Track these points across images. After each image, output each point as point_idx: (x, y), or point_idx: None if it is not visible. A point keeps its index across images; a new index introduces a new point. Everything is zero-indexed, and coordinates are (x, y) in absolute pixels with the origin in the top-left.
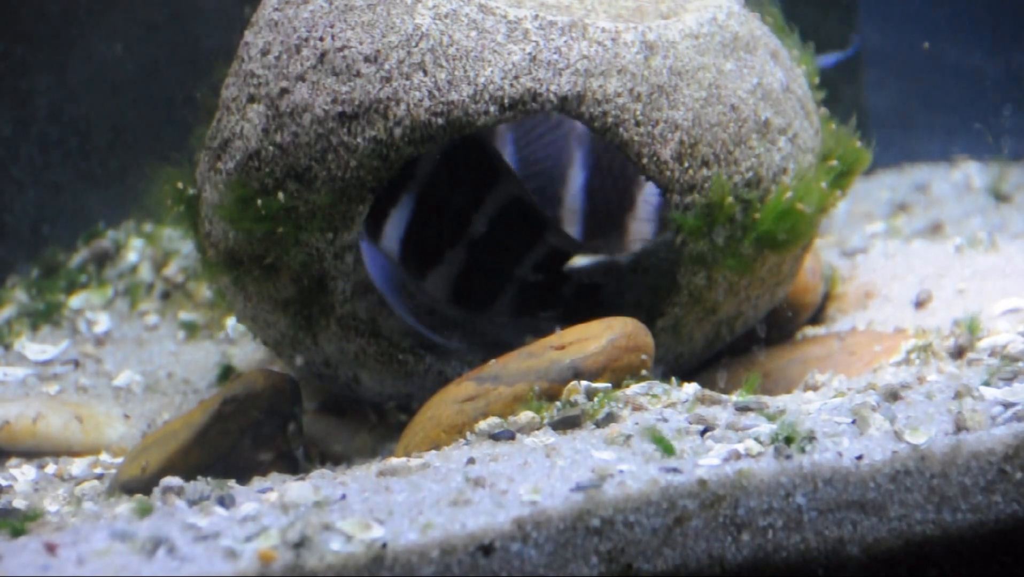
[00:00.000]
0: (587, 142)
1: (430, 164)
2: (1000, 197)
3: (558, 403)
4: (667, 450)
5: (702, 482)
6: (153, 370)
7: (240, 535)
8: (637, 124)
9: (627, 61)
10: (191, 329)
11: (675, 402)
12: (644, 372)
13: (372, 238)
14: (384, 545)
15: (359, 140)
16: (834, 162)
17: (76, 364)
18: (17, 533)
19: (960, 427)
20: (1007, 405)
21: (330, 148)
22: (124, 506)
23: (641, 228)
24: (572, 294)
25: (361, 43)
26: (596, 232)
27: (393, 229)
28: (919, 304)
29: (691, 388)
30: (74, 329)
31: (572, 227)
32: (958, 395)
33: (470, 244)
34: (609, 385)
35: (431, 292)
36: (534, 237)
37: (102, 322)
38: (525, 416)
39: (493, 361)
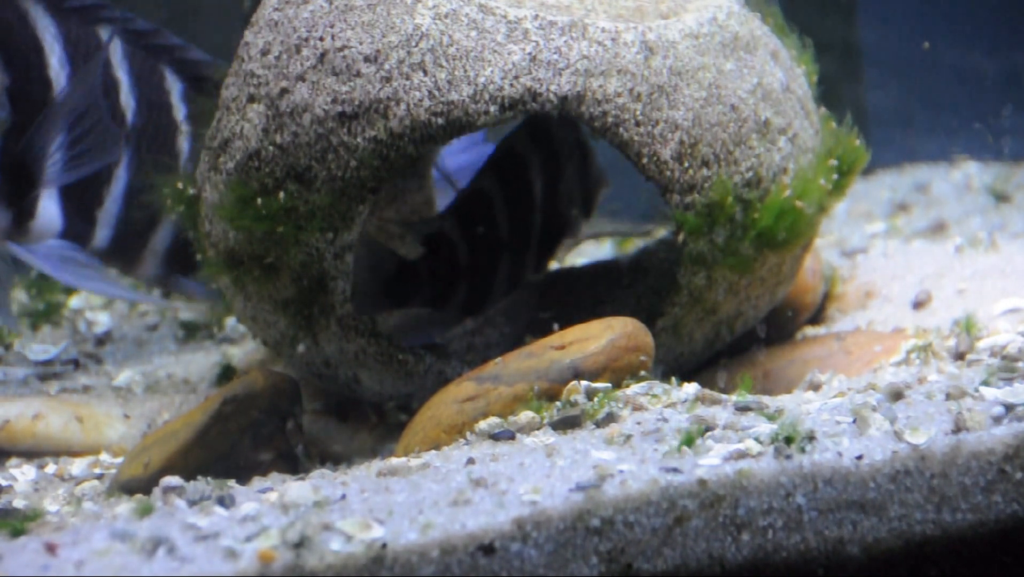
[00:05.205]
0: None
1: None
2: (1000, 197)
3: (558, 403)
4: (689, 443)
5: (702, 482)
6: (153, 370)
7: (240, 535)
8: (637, 124)
9: (627, 61)
10: (191, 329)
11: (675, 402)
12: (644, 372)
13: None
14: (384, 545)
15: (359, 140)
16: (833, 161)
17: (76, 364)
18: (17, 533)
19: (960, 427)
20: (1007, 405)
21: (330, 148)
22: (124, 506)
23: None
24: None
25: (361, 43)
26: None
27: None
28: (919, 304)
29: (691, 388)
30: (74, 329)
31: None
32: (958, 395)
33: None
34: (609, 385)
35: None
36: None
37: (102, 322)
38: (525, 416)
39: (493, 361)
